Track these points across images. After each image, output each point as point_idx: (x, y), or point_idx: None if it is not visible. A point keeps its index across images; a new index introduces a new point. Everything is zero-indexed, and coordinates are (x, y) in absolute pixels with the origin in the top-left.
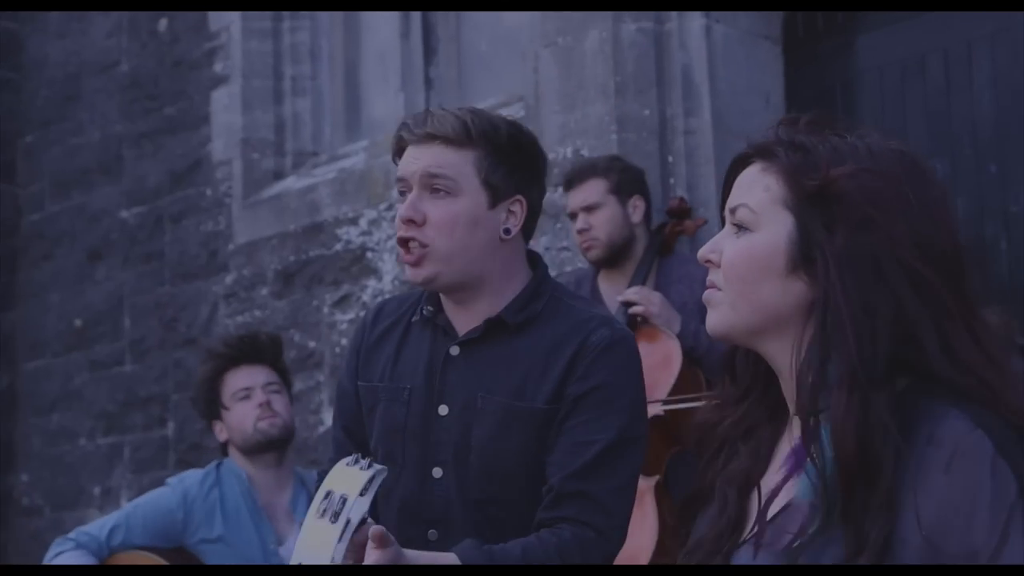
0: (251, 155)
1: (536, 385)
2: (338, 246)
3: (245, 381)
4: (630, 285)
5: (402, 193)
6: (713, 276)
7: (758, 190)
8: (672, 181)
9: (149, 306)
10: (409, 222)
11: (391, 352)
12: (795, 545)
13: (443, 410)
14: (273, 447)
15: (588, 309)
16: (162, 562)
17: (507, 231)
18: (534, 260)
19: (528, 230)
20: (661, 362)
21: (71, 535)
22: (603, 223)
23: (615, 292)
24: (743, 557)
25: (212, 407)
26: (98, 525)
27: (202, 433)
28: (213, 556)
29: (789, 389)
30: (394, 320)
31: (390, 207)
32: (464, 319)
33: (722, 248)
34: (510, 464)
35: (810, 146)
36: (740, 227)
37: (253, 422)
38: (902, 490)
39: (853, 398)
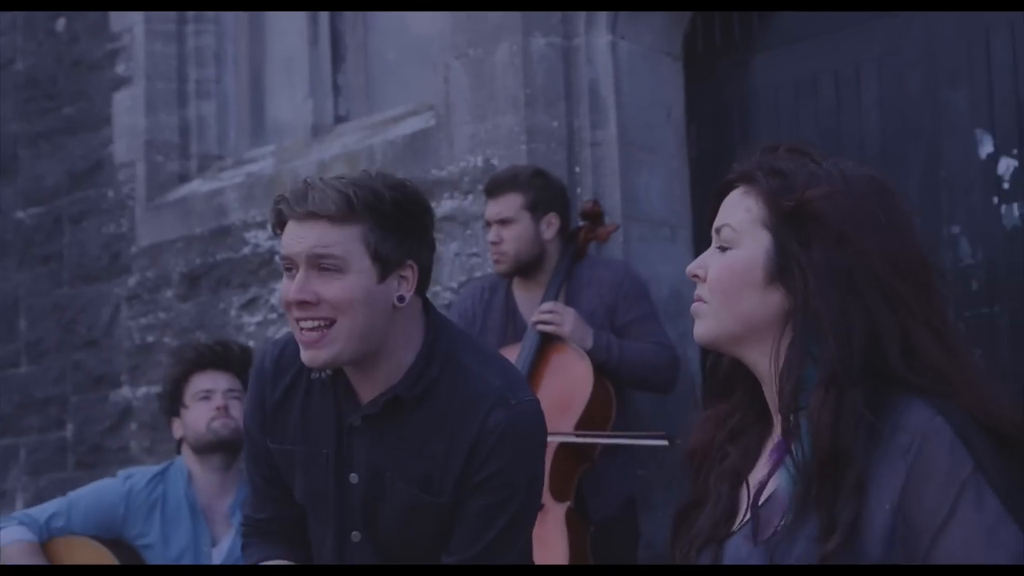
0: (155, 157)
1: (441, 477)
2: (246, 250)
3: (208, 384)
4: (544, 296)
5: (288, 270)
6: (699, 290)
7: (740, 211)
8: (579, 191)
9: (46, 307)
10: (303, 304)
11: (298, 412)
12: (772, 534)
13: (354, 478)
14: (223, 448)
15: (483, 374)
16: (103, 549)
17: (401, 298)
18: (426, 307)
19: (422, 287)
20: (573, 385)
21: (15, 514)
22: (512, 239)
23: (529, 299)
24: (734, 545)
25: (173, 405)
26: (40, 510)
27: (102, 435)
28: (147, 552)
29: (771, 393)
30: (295, 374)
31: None
32: (365, 385)
33: (708, 264)
34: (422, 540)
35: (788, 171)
36: (723, 246)
37: (207, 421)
38: (871, 474)
39: (829, 394)
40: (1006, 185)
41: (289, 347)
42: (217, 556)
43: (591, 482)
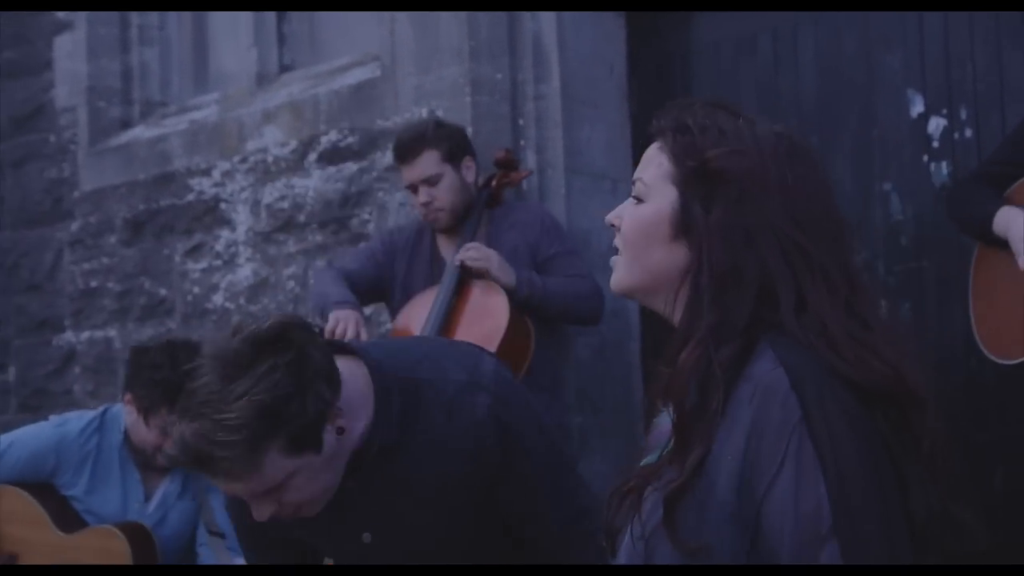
0: (97, 103)
1: (454, 480)
2: (190, 196)
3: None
4: (461, 240)
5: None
6: (616, 240)
7: (652, 166)
8: (522, 143)
9: None
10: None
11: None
12: (650, 487)
13: (367, 538)
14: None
15: (441, 377)
16: (30, 499)
17: (340, 430)
18: (346, 352)
19: (336, 392)
20: (491, 318)
21: None
22: (445, 192)
23: (450, 244)
24: (650, 496)
25: (140, 401)
26: None
27: (46, 378)
28: (73, 502)
29: None
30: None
31: (244, 159)
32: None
33: (623, 214)
34: (462, 544)
35: (696, 129)
36: (637, 198)
37: (154, 449)
38: (722, 423)
39: (695, 351)
40: (935, 144)
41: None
42: (149, 512)
43: None
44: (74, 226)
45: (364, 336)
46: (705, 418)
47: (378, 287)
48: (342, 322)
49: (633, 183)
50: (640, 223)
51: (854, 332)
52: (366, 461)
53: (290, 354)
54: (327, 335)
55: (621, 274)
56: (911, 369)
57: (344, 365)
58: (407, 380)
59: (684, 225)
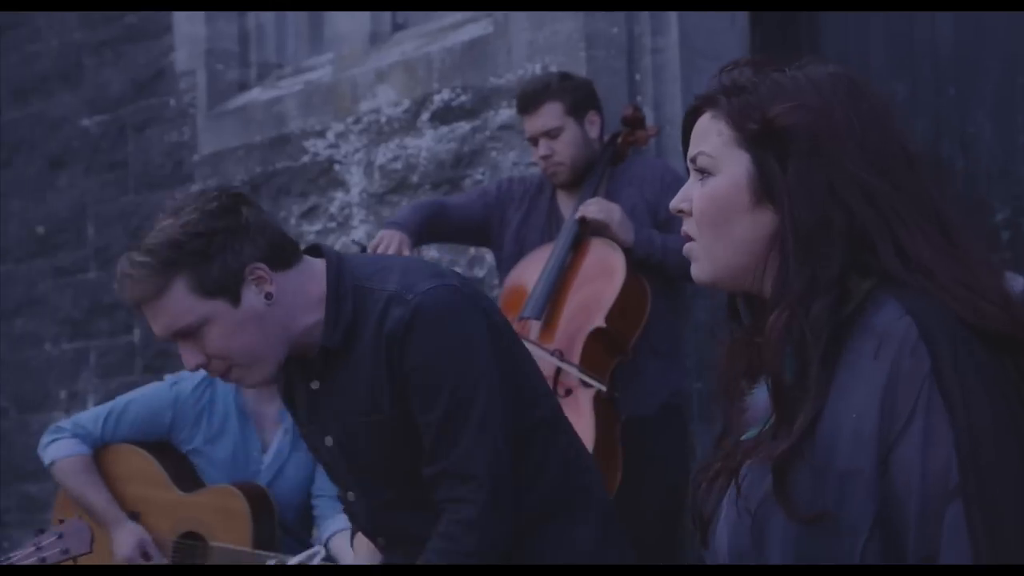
0: (215, 66)
1: (379, 394)
2: (305, 158)
3: None
4: (582, 195)
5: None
6: (687, 226)
7: (712, 136)
8: (639, 99)
9: (113, 214)
10: (202, 366)
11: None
12: (751, 458)
13: (328, 441)
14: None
15: (380, 287)
16: (149, 456)
17: (268, 296)
18: (318, 251)
19: (280, 262)
20: (605, 276)
21: (66, 424)
22: (565, 146)
23: (570, 200)
24: (745, 469)
25: None
26: (92, 418)
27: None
28: (194, 456)
29: None
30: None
31: (357, 120)
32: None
33: (691, 196)
34: (397, 466)
35: (750, 87)
36: (703, 173)
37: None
38: (837, 379)
39: (785, 313)
40: None
41: None
42: (267, 462)
43: (625, 376)
44: (194, 189)
45: (406, 254)
46: (808, 382)
47: (482, 228)
48: (386, 239)
49: (692, 161)
50: (716, 197)
51: (959, 274)
52: (316, 361)
53: (214, 204)
54: (371, 249)
55: (703, 261)
56: (1019, 305)
57: (315, 264)
58: (359, 288)
59: (766, 187)
